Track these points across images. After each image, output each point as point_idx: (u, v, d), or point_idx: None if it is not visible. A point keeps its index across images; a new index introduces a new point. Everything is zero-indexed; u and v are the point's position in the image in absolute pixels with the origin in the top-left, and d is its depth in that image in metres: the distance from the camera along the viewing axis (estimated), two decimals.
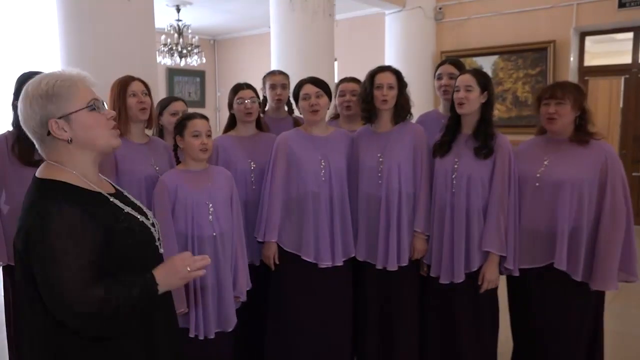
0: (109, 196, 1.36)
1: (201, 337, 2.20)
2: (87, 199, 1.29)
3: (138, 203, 1.48)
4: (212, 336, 2.21)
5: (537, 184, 2.28)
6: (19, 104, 1.29)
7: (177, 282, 1.33)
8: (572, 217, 2.21)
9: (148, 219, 1.44)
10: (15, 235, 1.27)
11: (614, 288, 2.21)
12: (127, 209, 1.38)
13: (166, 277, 1.30)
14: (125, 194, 1.48)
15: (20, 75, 2.39)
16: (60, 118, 1.27)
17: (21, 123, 1.30)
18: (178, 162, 2.36)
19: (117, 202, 1.37)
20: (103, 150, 1.37)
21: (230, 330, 2.28)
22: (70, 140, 1.29)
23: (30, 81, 1.30)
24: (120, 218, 1.33)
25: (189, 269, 1.31)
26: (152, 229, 1.43)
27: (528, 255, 2.31)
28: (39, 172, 1.32)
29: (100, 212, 1.29)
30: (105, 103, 1.37)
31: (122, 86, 2.34)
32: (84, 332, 1.25)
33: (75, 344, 1.28)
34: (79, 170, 1.32)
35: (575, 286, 2.23)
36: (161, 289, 1.29)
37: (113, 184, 1.48)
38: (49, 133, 1.27)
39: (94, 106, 1.31)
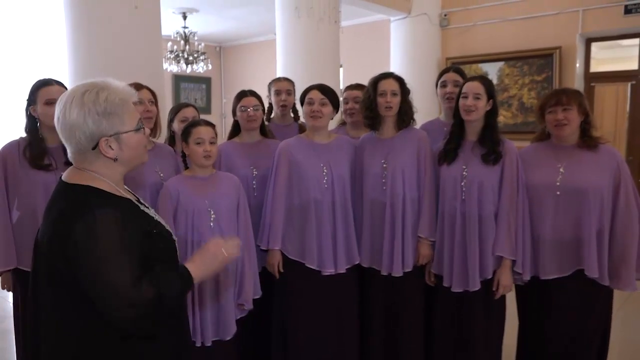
0: (138, 203, 1.39)
1: (198, 344, 2.20)
2: (123, 204, 1.32)
3: (154, 211, 1.51)
4: (208, 344, 2.21)
5: (557, 193, 2.27)
6: (67, 108, 1.26)
7: (217, 267, 1.38)
8: (595, 223, 2.21)
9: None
10: (51, 241, 1.26)
11: (633, 289, 2.24)
12: (152, 214, 1.42)
13: (204, 264, 1.35)
14: (146, 204, 1.50)
15: (36, 82, 2.41)
16: (111, 136, 1.28)
17: (61, 125, 1.28)
18: (187, 168, 2.37)
19: (145, 208, 1.40)
20: (135, 166, 1.42)
21: (228, 338, 2.27)
22: (116, 159, 1.31)
23: (85, 90, 1.27)
24: (152, 223, 1.36)
25: (224, 251, 1.36)
26: (174, 237, 1.48)
27: (555, 264, 2.27)
28: (69, 178, 1.32)
29: (136, 217, 1.32)
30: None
31: None
32: (136, 331, 1.27)
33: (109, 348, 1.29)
34: (110, 179, 1.34)
35: (596, 291, 2.24)
36: (199, 277, 1.34)
37: (132, 192, 1.50)
38: (94, 147, 1.28)
39: (141, 126, 1.35)
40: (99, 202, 1.25)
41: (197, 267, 1.34)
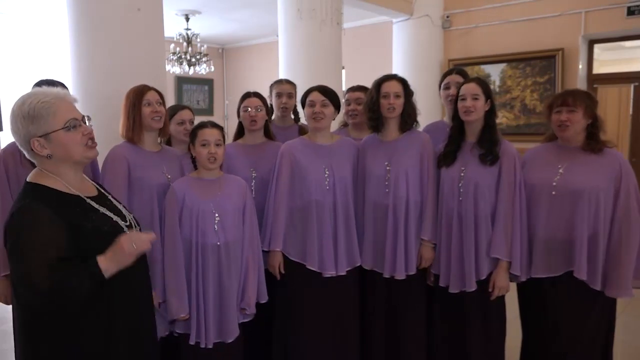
0: (85, 198, 1.49)
1: (202, 345, 2.20)
2: (61, 200, 1.45)
3: (120, 207, 1.62)
4: (210, 345, 2.21)
5: (553, 193, 2.27)
6: (10, 120, 1.45)
7: (127, 260, 1.45)
8: (589, 225, 2.20)
9: (125, 222, 1.57)
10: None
11: (628, 295, 2.21)
12: (102, 210, 1.52)
13: (115, 258, 1.43)
14: (110, 197, 1.62)
15: (35, 84, 2.42)
16: (40, 137, 1.42)
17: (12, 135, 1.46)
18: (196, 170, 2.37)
19: (93, 203, 1.51)
20: (80, 162, 1.53)
21: (229, 341, 2.26)
22: (50, 156, 1.45)
23: (17, 100, 1.45)
24: (92, 217, 1.47)
25: (134, 245, 1.44)
26: (126, 230, 1.56)
27: (545, 263, 2.28)
28: (29, 177, 1.48)
29: (71, 212, 1.44)
30: (86, 117, 1.51)
31: (137, 95, 2.36)
32: (40, 308, 1.42)
33: (45, 324, 1.44)
34: (62, 177, 1.48)
35: (592, 295, 2.22)
36: (110, 270, 1.42)
37: (99, 187, 1.62)
38: (32, 148, 1.44)
39: (70, 126, 1.45)
40: (34, 198, 1.41)
41: (109, 260, 1.42)
